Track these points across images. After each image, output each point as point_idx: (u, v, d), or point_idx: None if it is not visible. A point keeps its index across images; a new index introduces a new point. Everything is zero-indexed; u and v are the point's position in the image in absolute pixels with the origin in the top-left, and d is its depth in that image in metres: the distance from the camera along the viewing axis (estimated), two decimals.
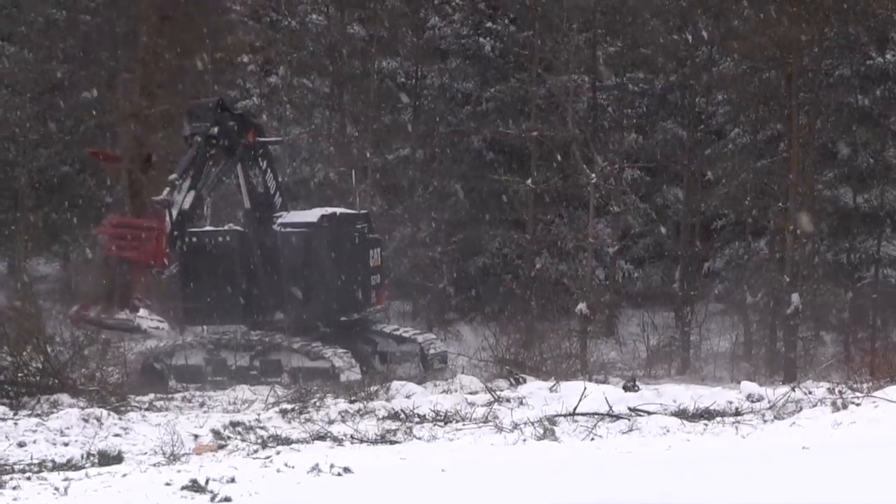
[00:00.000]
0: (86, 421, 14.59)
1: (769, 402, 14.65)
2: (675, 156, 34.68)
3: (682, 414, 14.26)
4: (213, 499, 9.86)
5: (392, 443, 13.44)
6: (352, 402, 16.24)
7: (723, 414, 14.32)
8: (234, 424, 14.63)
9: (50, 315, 23.26)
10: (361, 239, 24.07)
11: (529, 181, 32.80)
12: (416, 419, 14.82)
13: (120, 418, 15.09)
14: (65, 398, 16.69)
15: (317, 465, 11.12)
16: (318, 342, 22.72)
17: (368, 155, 32.97)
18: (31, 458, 12.55)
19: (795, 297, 27.95)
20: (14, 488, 10.55)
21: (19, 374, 17.46)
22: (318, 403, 16.28)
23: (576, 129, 32.33)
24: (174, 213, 20.07)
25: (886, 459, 10.68)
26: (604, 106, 35.68)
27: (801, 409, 14.24)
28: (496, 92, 35.46)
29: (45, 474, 11.47)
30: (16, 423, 14.49)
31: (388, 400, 16.48)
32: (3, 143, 33.64)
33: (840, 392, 14.78)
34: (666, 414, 14.19)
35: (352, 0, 35.48)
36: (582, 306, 29.13)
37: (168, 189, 20.26)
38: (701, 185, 33.82)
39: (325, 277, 23.04)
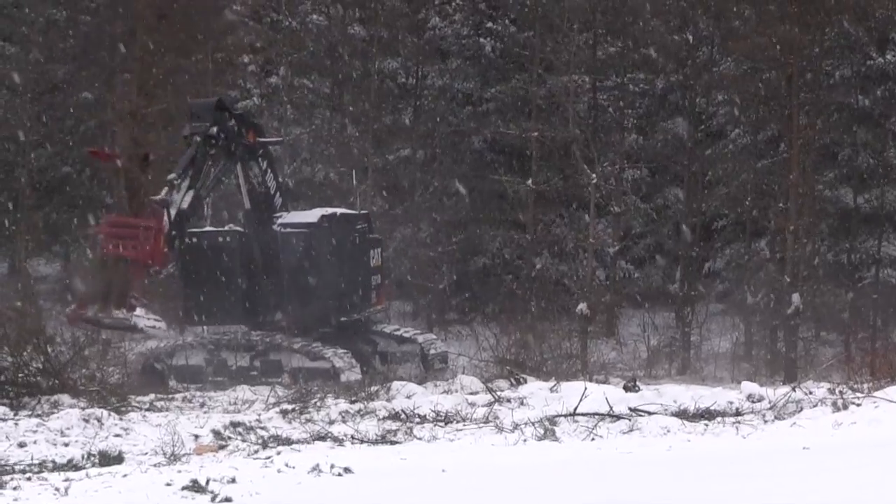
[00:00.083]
0: (86, 421, 14.58)
1: (770, 402, 14.66)
2: (676, 156, 34.70)
3: (682, 414, 14.26)
4: (213, 499, 9.85)
5: (393, 443, 13.44)
6: (352, 402, 16.23)
7: (723, 414, 14.32)
8: (234, 425, 14.62)
9: (50, 315, 23.21)
10: (362, 239, 24.06)
11: (530, 181, 32.80)
12: (417, 419, 14.81)
13: (120, 419, 15.08)
14: (65, 398, 16.68)
15: (317, 465, 11.12)
16: (318, 342, 22.70)
17: (367, 158, 32.96)
18: (32, 459, 12.54)
19: (796, 298, 27.96)
20: (14, 489, 10.55)
21: (20, 375, 17.43)
22: (318, 404, 16.27)
23: (576, 130, 32.33)
24: (172, 212, 20.04)
25: (887, 459, 10.69)
26: (604, 106, 35.68)
27: (801, 409, 14.25)
28: (497, 92, 35.46)
29: (45, 475, 11.47)
30: (16, 424, 14.48)
31: (388, 400, 16.47)
32: (3, 143, 33.64)
33: (840, 392, 14.78)
34: (666, 414, 14.19)
35: (352, 0, 35.49)
36: (582, 306, 29.12)
37: (166, 188, 20.23)
38: (701, 186, 33.84)
39: (326, 278, 23.01)
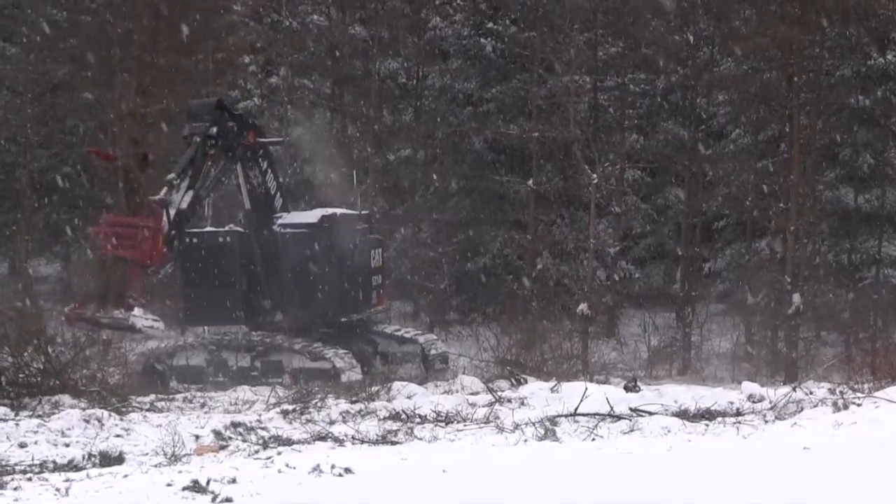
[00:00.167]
0: (87, 422, 14.59)
1: (770, 402, 14.66)
2: (677, 156, 34.69)
3: (683, 414, 14.26)
4: (214, 499, 9.86)
5: (393, 443, 13.44)
6: (353, 402, 16.24)
7: (724, 414, 14.33)
8: (235, 425, 14.63)
9: (51, 316, 23.22)
10: (362, 239, 24.08)
11: (530, 182, 32.80)
12: (418, 420, 14.82)
13: (121, 419, 15.09)
14: (66, 399, 16.70)
15: (318, 465, 11.12)
16: (319, 343, 22.73)
17: (367, 158, 32.95)
18: (33, 459, 12.55)
19: (796, 298, 27.94)
20: (15, 489, 10.56)
21: (20, 375, 17.44)
22: (319, 404, 16.27)
23: (577, 130, 32.30)
24: (171, 212, 20.05)
25: (887, 459, 10.69)
26: (605, 106, 35.67)
27: (802, 409, 14.25)
28: (497, 92, 35.44)
29: (46, 475, 11.47)
30: (17, 424, 14.49)
31: (389, 400, 16.48)
32: (4, 143, 33.67)
33: (841, 392, 14.78)
34: (667, 414, 14.19)
35: (353, 1, 35.48)
36: (583, 307, 29.11)
37: (166, 188, 20.25)
38: (702, 186, 33.84)
39: (326, 278, 23.04)
